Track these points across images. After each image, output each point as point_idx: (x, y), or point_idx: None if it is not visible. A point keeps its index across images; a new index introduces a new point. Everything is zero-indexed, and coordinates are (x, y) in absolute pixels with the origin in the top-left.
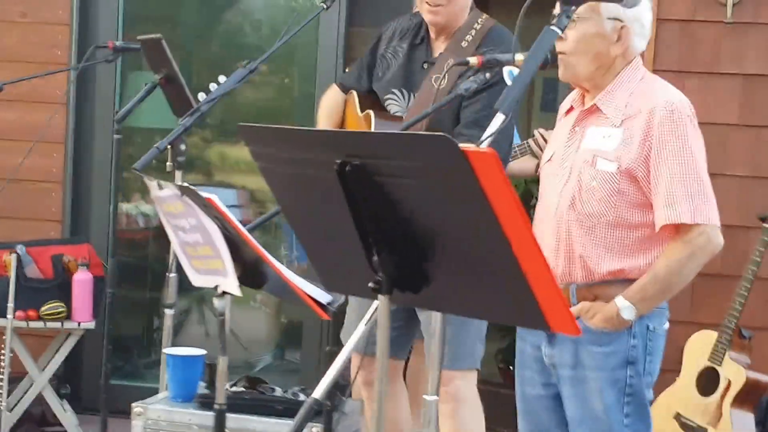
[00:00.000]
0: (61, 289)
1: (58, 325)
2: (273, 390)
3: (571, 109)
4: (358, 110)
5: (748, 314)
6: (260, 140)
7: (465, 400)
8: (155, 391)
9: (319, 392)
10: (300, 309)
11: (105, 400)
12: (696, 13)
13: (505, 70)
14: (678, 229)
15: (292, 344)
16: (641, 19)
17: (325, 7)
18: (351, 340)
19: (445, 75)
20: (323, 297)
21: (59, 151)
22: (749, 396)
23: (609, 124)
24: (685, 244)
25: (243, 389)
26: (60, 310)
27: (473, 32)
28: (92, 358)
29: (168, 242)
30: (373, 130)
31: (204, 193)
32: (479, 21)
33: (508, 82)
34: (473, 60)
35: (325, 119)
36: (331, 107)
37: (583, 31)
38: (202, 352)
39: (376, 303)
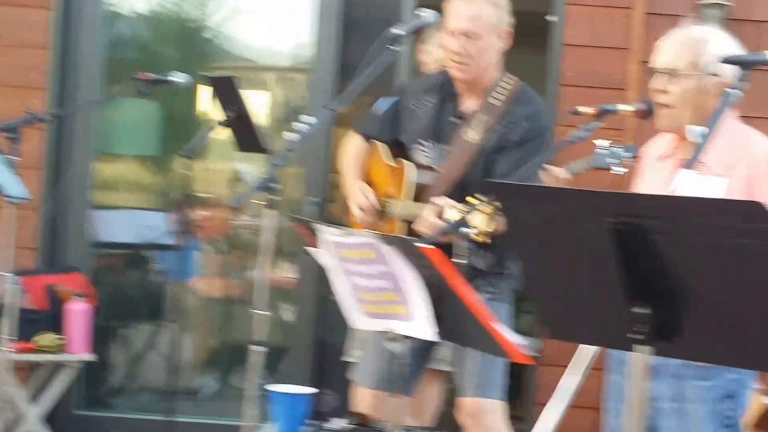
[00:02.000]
0: (55, 320)
1: (55, 357)
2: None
3: (667, 156)
4: (389, 159)
5: None
6: (520, 197)
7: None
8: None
9: None
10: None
11: None
12: None
13: (692, 130)
14: None
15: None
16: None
17: (405, 46)
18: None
19: (478, 130)
20: (518, 340)
21: (34, 177)
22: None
23: (712, 173)
24: None
25: (355, 426)
26: (58, 342)
27: (502, 92)
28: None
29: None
30: (409, 178)
31: (421, 245)
32: (507, 80)
33: (697, 141)
34: (589, 109)
35: (352, 168)
36: (357, 156)
37: (687, 86)
38: (309, 390)
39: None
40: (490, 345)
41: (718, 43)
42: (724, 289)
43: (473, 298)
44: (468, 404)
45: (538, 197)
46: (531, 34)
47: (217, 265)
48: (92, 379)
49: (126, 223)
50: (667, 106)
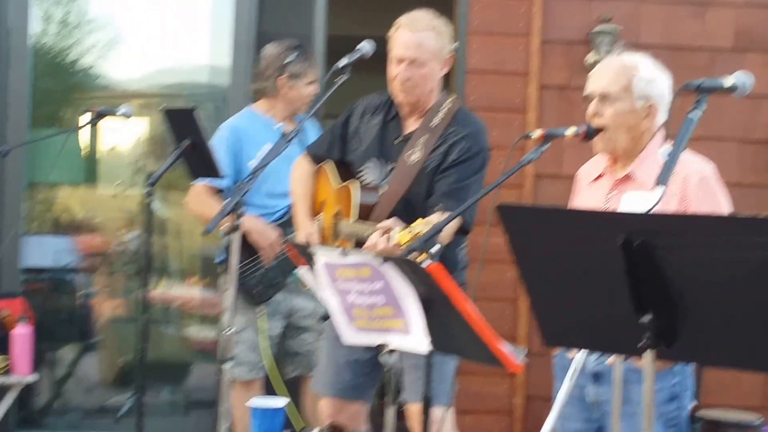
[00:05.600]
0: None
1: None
2: None
3: (600, 176)
4: (336, 179)
5: None
6: (528, 220)
7: None
8: None
9: None
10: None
11: None
12: (571, 82)
13: (661, 149)
14: None
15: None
16: (665, 96)
17: (346, 76)
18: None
19: (419, 150)
20: (509, 350)
21: None
22: None
23: (645, 189)
24: None
25: None
26: (4, 364)
27: (442, 113)
28: None
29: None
30: (354, 199)
31: (424, 264)
32: (447, 102)
33: (662, 160)
34: (537, 133)
35: (300, 189)
36: (304, 177)
37: (619, 109)
38: (284, 401)
39: (577, 356)
40: (486, 355)
41: (647, 68)
42: (723, 297)
43: (474, 311)
44: (418, 411)
45: (554, 219)
46: None
47: (113, 285)
48: (23, 399)
49: (41, 249)
50: (601, 128)
